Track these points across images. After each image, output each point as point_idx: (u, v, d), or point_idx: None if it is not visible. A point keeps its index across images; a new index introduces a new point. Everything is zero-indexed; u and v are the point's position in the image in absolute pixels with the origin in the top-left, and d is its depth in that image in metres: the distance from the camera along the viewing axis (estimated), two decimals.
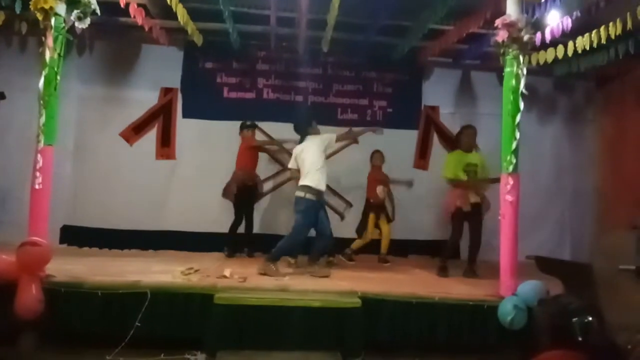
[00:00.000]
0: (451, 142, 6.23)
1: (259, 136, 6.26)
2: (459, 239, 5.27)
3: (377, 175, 6.00)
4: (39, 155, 3.87)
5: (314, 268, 4.82)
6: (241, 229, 5.91)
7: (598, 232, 6.42)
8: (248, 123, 5.98)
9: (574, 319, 1.79)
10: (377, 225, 5.95)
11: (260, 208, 6.32)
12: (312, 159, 4.82)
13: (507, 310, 3.82)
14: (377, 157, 6.05)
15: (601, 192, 6.75)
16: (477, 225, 5.16)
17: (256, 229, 6.07)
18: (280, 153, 6.50)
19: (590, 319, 1.81)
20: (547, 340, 1.86)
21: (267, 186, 6.43)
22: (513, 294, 3.95)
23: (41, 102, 3.88)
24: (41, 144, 3.88)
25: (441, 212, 5.61)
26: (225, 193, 5.87)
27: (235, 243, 5.87)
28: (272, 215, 6.41)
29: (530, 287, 3.90)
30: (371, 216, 5.92)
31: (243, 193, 5.80)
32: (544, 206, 6.73)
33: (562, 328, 1.83)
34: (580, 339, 1.76)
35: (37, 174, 3.85)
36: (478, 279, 4.94)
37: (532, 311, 3.78)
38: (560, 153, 6.97)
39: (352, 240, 6.02)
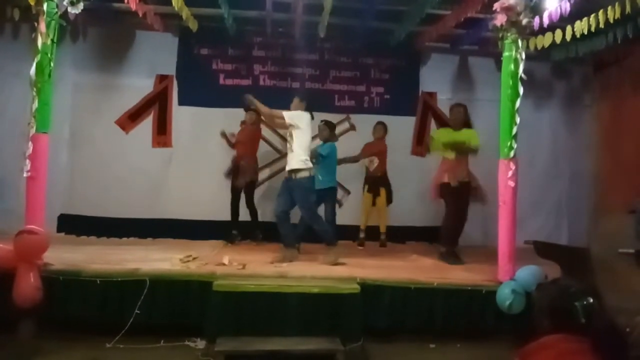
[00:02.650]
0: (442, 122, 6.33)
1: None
2: (465, 218, 5.14)
3: (369, 147, 5.97)
4: (29, 143, 3.83)
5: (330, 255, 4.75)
6: (246, 217, 5.92)
7: (595, 217, 6.44)
8: (252, 107, 5.93)
9: (576, 302, 1.79)
10: (374, 203, 5.93)
11: (264, 196, 6.28)
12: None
13: (505, 295, 3.84)
14: (376, 129, 6.02)
15: (598, 176, 6.77)
16: (463, 202, 5.12)
17: (264, 218, 6.06)
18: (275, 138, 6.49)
19: (592, 301, 1.81)
20: (547, 325, 1.86)
21: (265, 174, 6.42)
22: (511, 278, 3.98)
23: (33, 88, 3.84)
24: (32, 131, 3.84)
25: (430, 189, 5.48)
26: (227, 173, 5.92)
27: (238, 224, 5.87)
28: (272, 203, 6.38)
29: (528, 272, 3.92)
30: (365, 188, 5.93)
31: (236, 172, 5.83)
32: (541, 191, 6.75)
33: (563, 312, 1.83)
34: (583, 321, 1.76)
35: (27, 161, 3.81)
36: (462, 264, 4.94)
37: (530, 296, 3.81)
38: (557, 138, 6.96)
39: (351, 227, 6.03)
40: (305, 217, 4.80)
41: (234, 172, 5.89)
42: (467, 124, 5.28)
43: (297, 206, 4.80)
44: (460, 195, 5.09)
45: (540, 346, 1.73)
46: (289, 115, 4.74)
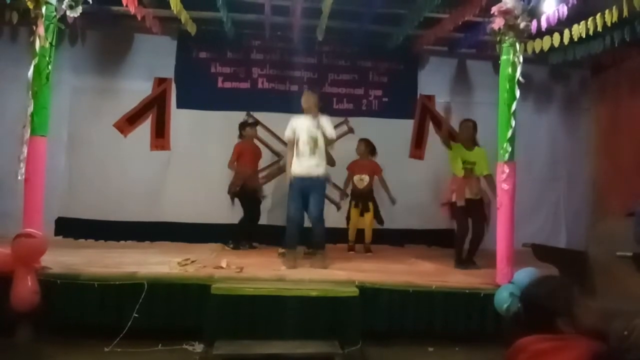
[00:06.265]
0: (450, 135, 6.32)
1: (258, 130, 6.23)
2: (465, 234, 5.10)
3: (353, 166, 6.00)
4: (24, 146, 3.82)
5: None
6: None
7: (593, 220, 6.45)
8: (250, 121, 5.91)
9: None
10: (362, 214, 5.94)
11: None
12: None
13: (503, 298, 3.83)
14: (358, 146, 6.03)
15: (596, 179, 6.78)
16: (478, 221, 5.04)
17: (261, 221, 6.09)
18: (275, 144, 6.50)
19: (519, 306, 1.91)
20: (526, 323, 1.88)
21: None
22: (509, 281, 3.97)
23: (30, 91, 3.84)
24: (27, 135, 3.83)
25: (440, 205, 5.51)
26: (230, 190, 5.80)
27: (241, 238, 5.84)
28: (270, 206, 6.39)
29: (526, 275, 3.91)
30: (352, 204, 5.96)
31: (246, 191, 5.78)
32: (539, 194, 6.77)
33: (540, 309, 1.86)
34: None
35: (21, 164, 3.81)
36: (478, 269, 4.93)
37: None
38: (555, 141, 6.98)
39: (346, 230, 6.04)
40: (315, 217, 4.72)
41: (243, 194, 5.78)
42: (475, 140, 5.22)
43: (311, 205, 4.70)
44: (469, 213, 5.04)
45: (516, 349, 1.74)
46: (328, 128, 4.75)
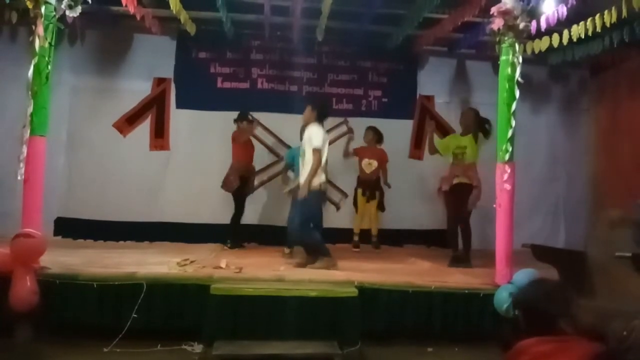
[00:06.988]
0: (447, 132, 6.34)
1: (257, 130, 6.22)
2: (453, 218, 5.22)
3: (362, 150, 6.04)
4: (23, 146, 3.82)
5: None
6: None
7: (592, 220, 6.45)
8: (250, 117, 5.91)
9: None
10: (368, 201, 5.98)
11: (258, 199, 6.30)
12: None
13: (502, 299, 3.83)
14: (365, 134, 6.08)
15: (595, 180, 6.78)
16: (461, 206, 5.06)
17: (255, 220, 6.07)
18: (275, 145, 6.49)
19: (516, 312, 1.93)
20: (525, 326, 1.89)
21: (261, 177, 6.42)
22: (509, 282, 3.98)
23: (29, 91, 3.83)
24: (26, 135, 3.83)
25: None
26: (225, 185, 5.76)
27: (238, 234, 5.83)
28: (269, 206, 6.40)
29: (525, 275, 3.91)
30: (358, 192, 5.99)
31: (241, 184, 5.79)
32: (538, 194, 6.77)
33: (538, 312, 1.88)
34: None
35: (21, 164, 3.81)
36: (470, 267, 4.93)
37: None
38: (554, 141, 6.98)
39: (347, 230, 6.03)
40: (292, 227, 4.77)
41: (242, 183, 5.80)
42: (476, 127, 5.21)
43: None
44: (456, 198, 5.10)
45: (517, 352, 1.75)
46: (310, 140, 4.53)
